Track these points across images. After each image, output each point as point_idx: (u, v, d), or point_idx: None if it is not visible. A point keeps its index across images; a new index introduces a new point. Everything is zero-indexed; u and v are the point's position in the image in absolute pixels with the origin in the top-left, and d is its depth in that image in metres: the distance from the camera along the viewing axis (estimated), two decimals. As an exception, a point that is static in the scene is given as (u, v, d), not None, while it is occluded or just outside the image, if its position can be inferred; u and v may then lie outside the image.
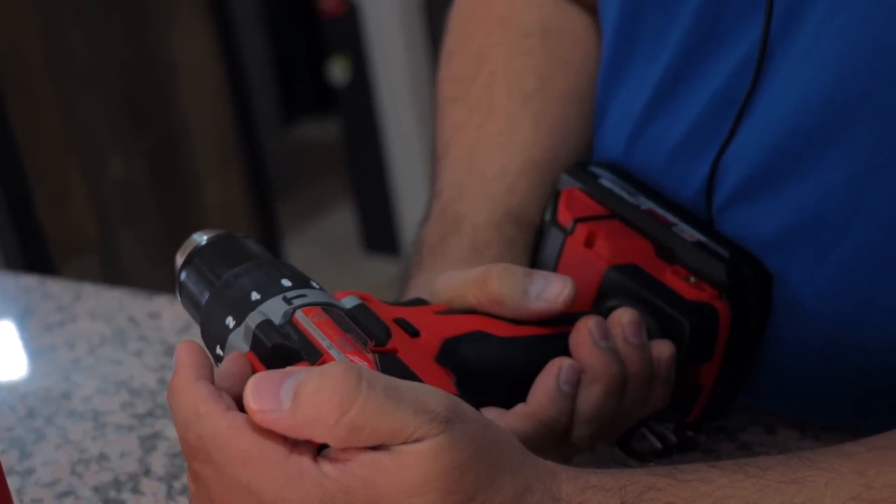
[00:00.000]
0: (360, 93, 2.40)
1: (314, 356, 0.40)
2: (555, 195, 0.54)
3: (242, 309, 0.43)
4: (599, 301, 0.50)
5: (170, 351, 0.69)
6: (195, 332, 0.71)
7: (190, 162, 1.99)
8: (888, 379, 0.46)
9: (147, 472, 0.57)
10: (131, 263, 1.87)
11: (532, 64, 0.59)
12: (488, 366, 0.45)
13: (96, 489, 0.57)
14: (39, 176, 1.76)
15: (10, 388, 0.68)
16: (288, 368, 0.36)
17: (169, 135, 1.96)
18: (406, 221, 2.30)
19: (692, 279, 0.49)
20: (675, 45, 0.50)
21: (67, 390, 0.66)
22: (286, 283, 0.44)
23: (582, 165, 0.55)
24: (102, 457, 0.59)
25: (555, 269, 0.52)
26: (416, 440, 0.34)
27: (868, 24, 0.42)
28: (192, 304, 0.46)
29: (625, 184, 0.53)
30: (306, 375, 0.35)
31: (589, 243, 0.51)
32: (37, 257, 1.69)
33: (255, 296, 0.43)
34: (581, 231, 0.51)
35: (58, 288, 0.79)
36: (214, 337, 0.44)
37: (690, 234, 0.50)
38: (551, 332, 0.46)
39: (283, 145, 2.99)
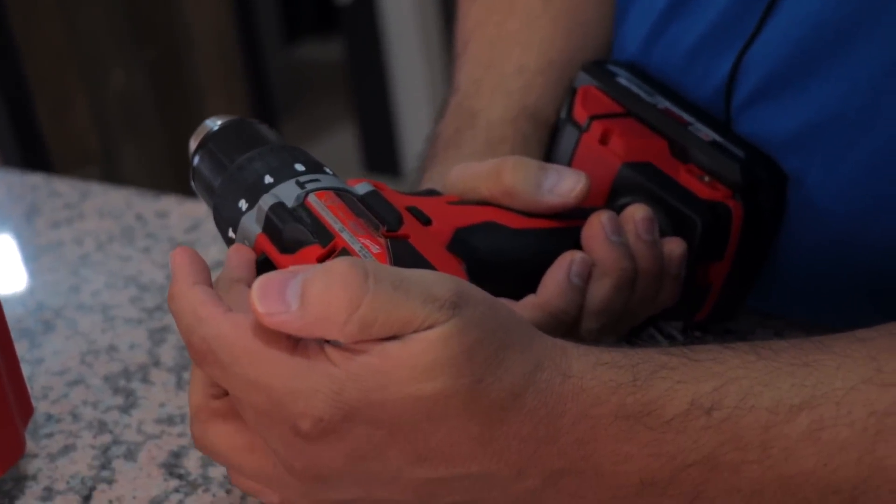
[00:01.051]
0: (364, 13, 2.37)
1: (326, 239, 0.40)
2: (571, 92, 0.53)
3: (255, 192, 0.43)
4: (612, 198, 0.50)
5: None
6: (204, 231, 0.71)
7: (193, 76, 1.98)
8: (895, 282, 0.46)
9: (157, 364, 0.58)
10: (132, 175, 1.87)
11: None
12: (499, 256, 0.45)
13: (106, 378, 0.57)
14: (40, 86, 1.74)
15: (19, 281, 0.68)
16: (291, 267, 0.36)
17: (172, 48, 1.94)
18: (408, 143, 2.29)
19: (706, 178, 0.49)
20: None
21: (76, 284, 0.66)
22: (299, 167, 0.43)
23: (600, 64, 0.55)
24: (112, 348, 0.59)
25: (569, 165, 0.52)
26: (427, 327, 0.34)
27: None
28: (204, 188, 0.46)
29: (642, 83, 0.53)
30: (312, 274, 0.34)
31: (604, 140, 0.51)
32: (38, 167, 1.68)
33: (268, 179, 0.43)
34: (596, 128, 0.51)
35: (64, 187, 0.79)
36: (227, 220, 0.44)
37: (706, 133, 0.50)
38: (563, 226, 0.46)
39: (285, 65, 2.96)
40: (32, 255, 0.70)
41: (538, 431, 0.35)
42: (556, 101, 0.55)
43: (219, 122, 0.47)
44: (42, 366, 0.58)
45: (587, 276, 0.44)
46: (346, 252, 0.40)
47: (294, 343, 0.35)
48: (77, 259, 0.69)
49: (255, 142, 0.45)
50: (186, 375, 0.56)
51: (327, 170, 0.44)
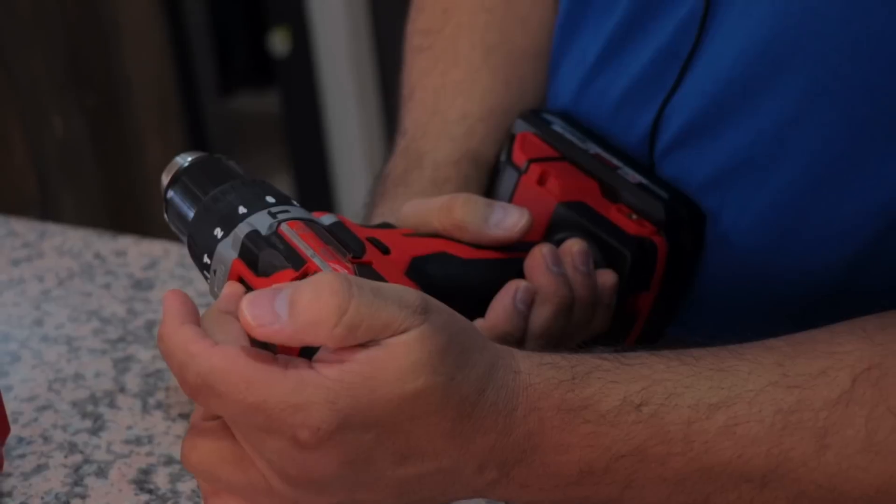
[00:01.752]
0: (300, 65, 2.42)
1: (298, 263, 0.44)
2: (510, 138, 0.59)
3: (230, 221, 0.46)
4: (550, 233, 0.55)
5: (137, 284, 0.72)
6: (161, 268, 0.75)
7: (131, 123, 2.00)
8: (805, 304, 0.52)
9: (122, 390, 0.61)
10: (69, 221, 1.88)
11: (494, 20, 0.64)
12: (452, 283, 0.49)
13: (74, 404, 0.60)
14: (-21, 132, 1.76)
15: (-18, 316, 0.70)
16: (275, 285, 0.39)
17: (111, 95, 1.96)
18: (343, 194, 2.33)
19: (634, 216, 0.54)
20: (627, 1, 0.55)
21: (39, 318, 0.69)
22: (270, 199, 0.47)
23: (536, 113, 0.60)
24: (78, 376, 0.63)
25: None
26: (403, 331, 0.38)
27: None
28: (178, 219, 0.50)
29: (574, 130, 0.58)
30: (300, 285, 0.38)
31: (541, 181, 0.56)
32: (-22, 211, 1.69)
33: (241, 209, 0.47)
34: (534, 170, 0.56)
35: (22, 227, 0.82)
36: (202, 247, 0.47)
37: (633, 176, 0.55)
38: (508, 257, 0.51)
39: (221, 115, 2.99)
40: (-5, 290, 0.73)
41: (497, 424, 0.40)
42: (495, 146, 0.61)
43: (189, 158, 0.51)
44: (11, 393, 0.61)
45: (530, 302, 0.49)
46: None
47: (284, 365, 0.38)
48: (39, 294, 0.72)
49: (225, 176, 0.49)
50: (152, 400, 0.60)
51: (294, 202, 0.48)
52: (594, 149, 0.57)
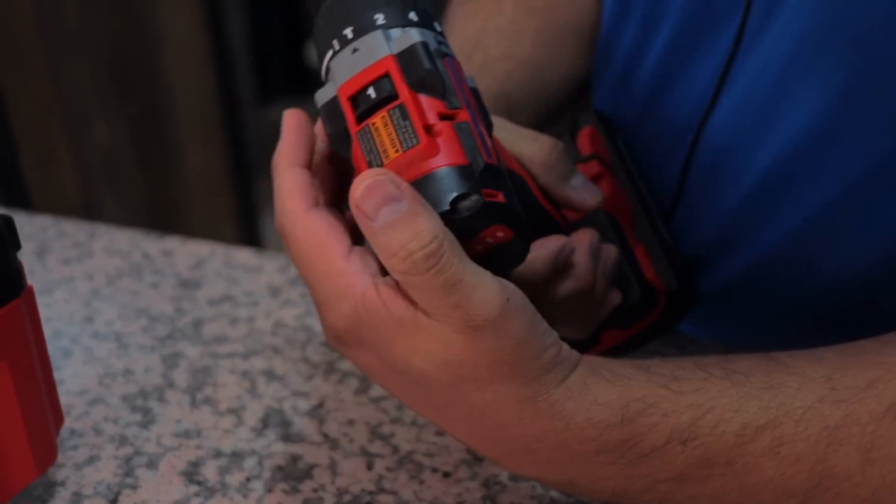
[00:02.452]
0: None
1: (455, 102, 0.41)
2: (574, 121, 0.57)
3: (398, 16, 0.42)
4: (580, 227, 0.54)
5: (184, 284, 0.73)
6: (208, 268, 0.76)
7: (173, 131, 2.03)
8: (820, 316, 0.52)
9: (171, 385, 0.62)
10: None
11: None
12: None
13: (124, 398, 0.61)
14: (26, 139, 1.79)
15: (34, 313, 0.72)
16: (406, 185, 0.38)
17: (153, 103, 1.99)
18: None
19: (653, 266, 0.54)
20: (675, 17, 0.56)
21: (90, 315, 0.71)
22: (437, 26, 0.43)
23: (605, 116, 0.60)
24: (128, 371, 0.64)
25: None
26: (440, 323, 0.38)
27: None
28: None
29: (629, 155, 0.58)
30: (406, 218, 0.37)
31: (595, 180, 0.55)
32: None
33: (412, 16, 0.42)
34: (594, 166, 0.55)
35: (72, 227, 0.84)
36: (347, 20, 0.42)
37: (661, 230, 0.55)
38: (562, 226, 0.50)
39: (260, 124, 3.01)
40: (46, 289, 0.75)
41: (514, 440, 0.40)
42: (529, 100, 0.60)
43: None
44: (63, 387, 0.63)
45: (565, 265, 0.48)
46: (466, 126, 0.40)
47: (349, 251, 0.39)
48: (89, 292, 0.73)
49: None
50: (200, 395, 0.61)
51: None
52: (643, 186, 0.56)
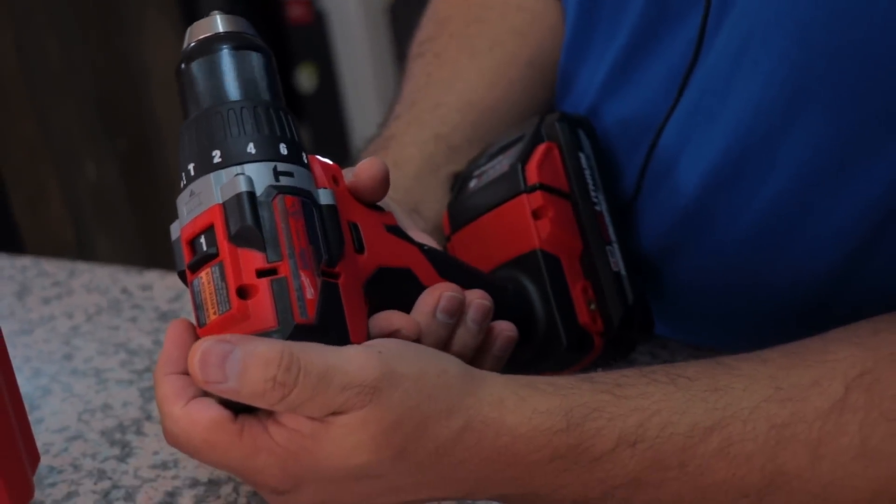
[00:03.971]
0: (328, 101, 2.45)
1: (274, 255, 0.41)
2: (535, 134, 0.55)
3: (235, 154, 0.42)
4: (508, 267, 0.53)
5: (163, 317, 0.74)
6: (187, 301, 0.76)
7: (163, 166, 2.04)
8: (789, 309, 0.52)
9: (149, 417, 0.63)
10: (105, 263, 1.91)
11: (486, 29, 0.65)
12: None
13: (102, 433, 0.62)
14: (15, 181, 1.80)
15: (14, 354, 0.72)
16: (228, 336, 0.40)
17: (142, 139, 2.00)
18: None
19: (592, 306, 0.53)
20: (629, 27, 0.56)
21: (69, 353, 0.71)
22: (283, 149, 0.43)
23: (574, 120, 0.57)
24: (106, 406, 0.64)
25: (495, 206, 0.54)
26: (344, 412, 0.39)
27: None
28: (191, 93, 0.44)
29: (593, 163, 0.57)
30: (247, 358, 0.39)
31: (536, 215, 0.53)
32: (15, 257, 1.72)
33: (251, 149, 0.42)
34: (536, 199, 0.53)
35: (52, 267, 0.84)
36: (193, 154, 0.43)
37: (616, 262, 0.54)
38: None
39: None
40: (26, 329, 0.75)
41: (472, 475, 0.41)
42: (471, 137, 0.60)
43: (224, 28, 0.45)
44: (42, 425, 0.63)
45: (452, 311, 0.47)
46: (284, 283, 0.41)
47: (240, 430, 0.40)
48: (69, 330, 0.74)
49: (253, 76, 0.44)
50: (177, 427, 0.61)
51: (304, 156, 0.44)
52: (601, 203, 0.55)
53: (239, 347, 0.39)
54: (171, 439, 0.42)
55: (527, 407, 0.41)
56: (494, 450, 0.41)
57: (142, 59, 1.97)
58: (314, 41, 2.36)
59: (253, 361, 0.39)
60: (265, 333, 0.40)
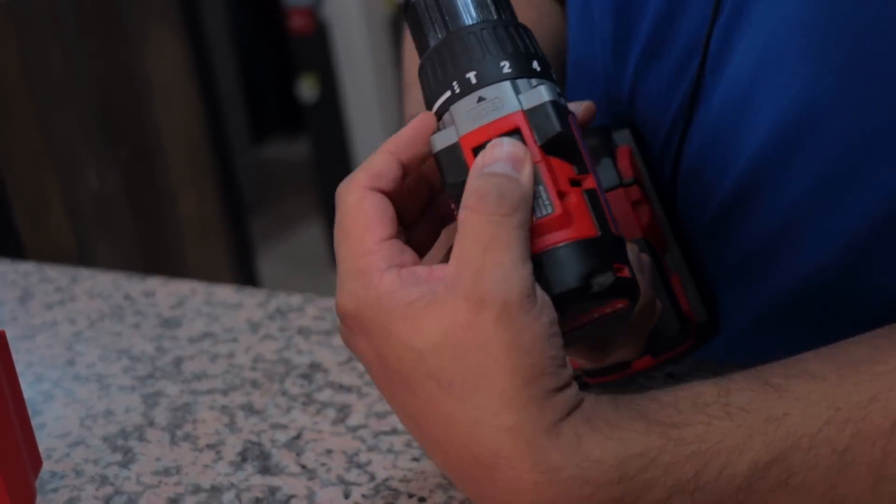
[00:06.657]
0: (329, 111, 2.45)
1: (581, 168, 0.39)
2: (608, 137, 0.54)
3: (524, 67, 0.40)
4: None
5: (165, 323, 0.74)
6: (189, 307, 0.76)
7: (164, 175, 2.04)
8: (800, 306, 0.52)
9: (151, 423, 0.63)
10: (108, 273, 1.91)
11: None
12: None
13: (105, 439, 0.62)
14: (17, 190, 1.80)
15: (17, 359, 0.72)
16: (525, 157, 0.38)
17: (144, 148, 2.01)
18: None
19: (686, 297, 0.52)
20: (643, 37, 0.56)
21: (71, 358, 0.71)
22: (554, 75, 0.41)
23: (639, 132, 0.56)
24: (108, 412, 0.64)
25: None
26: (453, 288, 0.37)
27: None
28: (431, 20, 0.42)
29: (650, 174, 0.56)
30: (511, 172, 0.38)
31: (635, 206, 0.52)
32: (17, 265, 1.72)
33: (535, 65, 0.40)
34: (635, 192, 0.52)
35: (54, 273, 0.84)
36: (468, 64, 0.40)
37: (693, 257, 0.55)
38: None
39: (253, 164, 3.03)
40: (29, 334, 0.75)
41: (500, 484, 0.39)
42: None
43: None
44: (44, 430, 0.63)
45: None
46: (594, 195, 0.39)
47: (382, 238, 0.40)
48: (71, 336, 0.74)
49: (484, 3, 0.42)
50: (179, 432, 0.61)
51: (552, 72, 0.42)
52: (675, 207, 0.55)
53: (526, 169, 0.38)
54: (336, 196, 0.41)
55: (579, 451, 0.38)
56: (521, 480, 0.38)
57: (143, 68, 1.98)
58: (316, 51, 2.37)
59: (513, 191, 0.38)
60: (584, 241, 0.38)
